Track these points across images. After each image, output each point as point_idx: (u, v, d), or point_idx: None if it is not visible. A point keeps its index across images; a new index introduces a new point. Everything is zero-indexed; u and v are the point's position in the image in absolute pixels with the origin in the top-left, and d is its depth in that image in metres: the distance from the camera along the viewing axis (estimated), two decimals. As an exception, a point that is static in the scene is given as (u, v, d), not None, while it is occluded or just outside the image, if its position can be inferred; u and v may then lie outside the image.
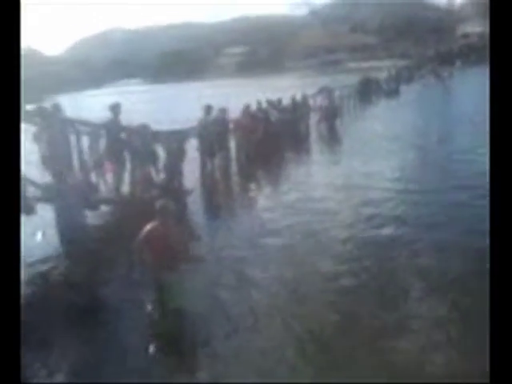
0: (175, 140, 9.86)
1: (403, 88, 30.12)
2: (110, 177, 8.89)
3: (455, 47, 77.77)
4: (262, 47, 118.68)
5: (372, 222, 7.25)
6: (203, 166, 11.02)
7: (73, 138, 8.46)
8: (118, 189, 8.67)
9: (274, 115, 13.87)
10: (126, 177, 8.86)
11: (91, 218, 6.96)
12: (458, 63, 51.71)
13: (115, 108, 8.78)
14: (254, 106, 13.23)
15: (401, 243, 6.37)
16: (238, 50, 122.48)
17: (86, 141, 8.73)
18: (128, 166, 8.80)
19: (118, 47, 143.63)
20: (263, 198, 9.28)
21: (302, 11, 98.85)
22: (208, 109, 10.99)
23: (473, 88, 32.27)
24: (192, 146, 10.86)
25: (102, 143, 8.93)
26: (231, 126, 12.04)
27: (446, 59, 60.27)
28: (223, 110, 11.48)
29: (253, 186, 10.28)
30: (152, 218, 4.87)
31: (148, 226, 4.75)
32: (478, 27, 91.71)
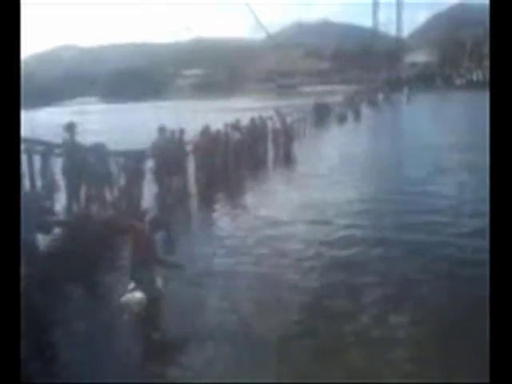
0: (132, 160, 9.74)
1: (355, 112, 31.06)
2: (64, 198, 8.60)
3: (404, 74, 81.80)
4: (219, 70, 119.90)
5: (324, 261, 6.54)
6: (160, 187, 10.89)
7: (24, 158, 8.14)
8: (73, 211, 8.39)
9: (232, 137, 13.91)
10: (82, 198, 8.60)
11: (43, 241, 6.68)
12: (406, 89, 54.26)
13: (71, 127, 8.57)
14: (212, 128, 13.21)
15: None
16: (195, 71, 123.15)
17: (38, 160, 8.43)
18: (84, 186, 8.56)
19: (69, 65, 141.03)
20: (220, 219, 9.19)
21: (259, 35, 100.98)
22: (161, 130, 10.92)
23: (422, 113, 33.90)
24: (149, 167, 10.75)
25: (56, 163, 8.67)
26: (190, 147, 12.02)
27: (396, 85, 63.14)
28: (182, 131, 11.49)
29: (211, 207, 10.22)
30: (110, 239, 4.86)
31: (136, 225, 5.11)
32: (424, 57, 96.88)
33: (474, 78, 78.40)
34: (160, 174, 10.80)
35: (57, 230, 7.70)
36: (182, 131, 11.53)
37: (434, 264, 6.22)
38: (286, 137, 16.83)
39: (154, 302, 4.99)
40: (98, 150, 9.08)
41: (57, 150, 8.77)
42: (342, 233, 7.73)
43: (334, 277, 5.95)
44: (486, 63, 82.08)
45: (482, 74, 76.63)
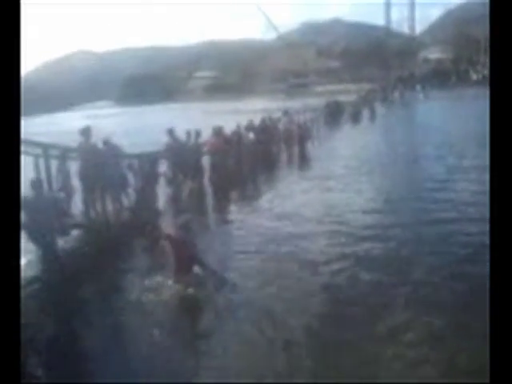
0: (147, 162, 9.80)
1: (369, 111, 30.83)
2: (81, 201, 8.69)
3: (418, 72, 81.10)
4: (231, 71, 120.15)
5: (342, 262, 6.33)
6: (175, 188, 10.94)
7: (41, 162, 8.28)
8: (89, 213, 8.47)
9: (246, 138, 13.93)
10: (99, 201, 8.68)
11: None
12: (420, 87, 53.78)
13: (86, 132, 8.66)
14: (227, 129, 13.23)
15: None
16: (207, 73, 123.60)
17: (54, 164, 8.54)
18: (100, 189, 8.63)
19: (82, 71, 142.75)
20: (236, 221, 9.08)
21: (269, 36, 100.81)
22: (170, 132, 10.99)
23: (438, 110, 33.43)
24: (164, 169, 10.81)
25: (72, 167, 8.79)
26: (204, 148, 12.07)
27: (410, 83, 62.62)
28: (198, 133, 11.56)
29: (226, 208, 10.21)
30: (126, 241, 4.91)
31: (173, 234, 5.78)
32: (438, 54, 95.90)
33: (488, 74, 77.18)
34: (176, 175, 10.86)
35: (75, 232, 7.80)
36: (197, 133, 11.58)
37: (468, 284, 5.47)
38: (300, 137, 16.77)
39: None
40: (114, 152, 9.18)
41: (73, 154, 8.90)
42: (363, 246, 6.99)
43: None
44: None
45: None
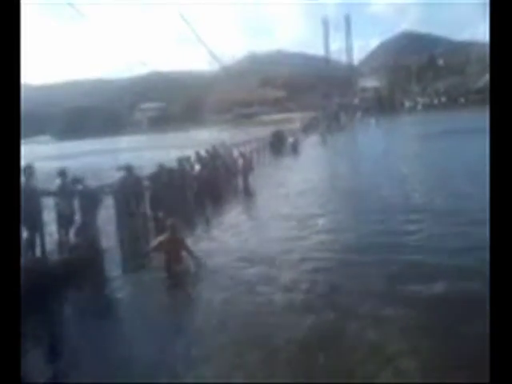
0: (90, 198, 9.60)
1: (315, 138, 31.61)
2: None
3: (356, 99, 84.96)
4: (176, 102, 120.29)
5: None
6: (119, 224, 10.73)
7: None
8: (27, 255, 8.16)
9: (191, 172, 13.95)
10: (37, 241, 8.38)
11: None
12: (359, 113, 56.45)
13: (27, 170, 8.35)
14: (172, 162, 13.20)
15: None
16: (152, 105, 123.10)
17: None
18: (39, 229, 8.35)
19: (22, 104, 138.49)
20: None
21: (214, 66, 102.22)
22: (128, 169, 10.91)
23: (376, 136, 34.83)
24: (107, 204, 10.58)
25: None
26: (147, 182, 11.94)
27: (349, 110, 65.46)
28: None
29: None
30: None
31: (161, 237, 7.41)
32: (373, 82, 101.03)
33: (420, 101, 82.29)
34: (121, 211, 10.66)
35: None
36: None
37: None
38: (244, 169, 16.82)
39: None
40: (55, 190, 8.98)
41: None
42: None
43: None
44: (431, 88, 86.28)
45: (428, 98, 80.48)
